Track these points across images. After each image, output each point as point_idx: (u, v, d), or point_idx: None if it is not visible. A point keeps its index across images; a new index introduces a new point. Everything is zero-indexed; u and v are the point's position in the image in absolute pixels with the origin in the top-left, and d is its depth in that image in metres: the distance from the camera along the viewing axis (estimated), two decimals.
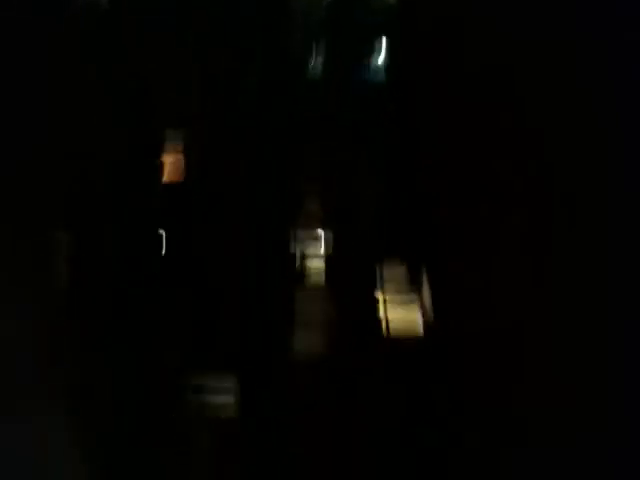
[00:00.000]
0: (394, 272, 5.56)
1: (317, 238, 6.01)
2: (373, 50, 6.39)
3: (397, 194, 5.63)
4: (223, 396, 5.01)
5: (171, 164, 6.09)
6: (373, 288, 5.35)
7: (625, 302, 3.25)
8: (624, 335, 3.22)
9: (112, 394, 4.77)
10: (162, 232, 5.76)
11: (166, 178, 6.19)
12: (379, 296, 5.39)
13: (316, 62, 6.54)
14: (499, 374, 4.03)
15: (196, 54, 6.08)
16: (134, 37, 5.83)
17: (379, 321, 5.19)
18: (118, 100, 5.70)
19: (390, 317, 5.24)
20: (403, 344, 5.04)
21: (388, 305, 5.33)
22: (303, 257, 5.97)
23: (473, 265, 4.58)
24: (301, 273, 5.85)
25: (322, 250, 5.92)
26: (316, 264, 5.84)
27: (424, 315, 5.11)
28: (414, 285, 5.39)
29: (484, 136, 4.53)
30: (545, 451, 3.58)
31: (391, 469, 4.42)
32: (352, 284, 5.41)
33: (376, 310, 5.27)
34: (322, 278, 5.71)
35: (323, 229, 6.05)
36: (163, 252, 5.73)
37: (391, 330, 5.17)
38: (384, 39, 6.34)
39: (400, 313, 5.26)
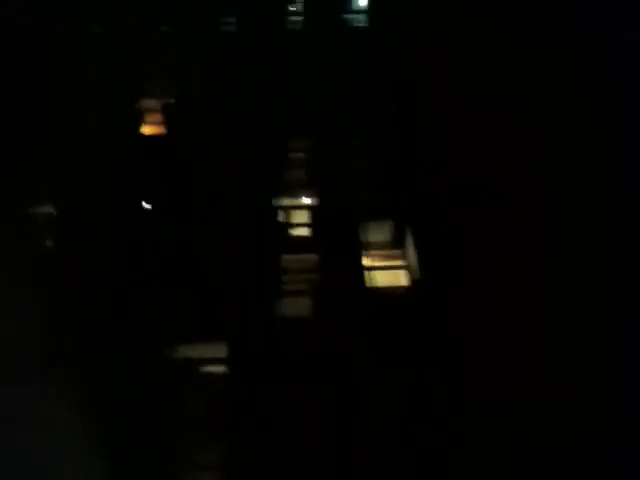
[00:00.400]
0: (379, 234, 5.60)
1: (302, 205, 6.05)
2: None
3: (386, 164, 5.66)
4: (214, 365, 5.04)
5: (155, 120, 6.09)
6: (359, 251, 5.38)
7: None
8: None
9: (109, 369, 4.78)
10: (147, 204, 5.78)
11: (148, 132, 6.18)
12: (365, 259, 5.43)
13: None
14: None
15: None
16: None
17: (365, 284, 5.21)
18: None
19: (376, 279, 5.27)
20: (388, 304, 5.08)
21: (374, 267, 5.36)
22: (289, 223, 6.02)
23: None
24: (287, 238, 5.91)
25: (308, 216, 5.98)
26: (302, 230, 5.88)
27: (409, 275, 5.13)
28: (399, 247, 5.43)
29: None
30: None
31: (385, 446, 4.43)
32: (338, 248, 5.45)
33: (362, 273, 5.30)
34: (309, 243, 5.77)
35: (309, 195, 6.10)
36: (152, 224, 5.76)
37: (377, 291, 5.20)
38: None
39: (385, 275, 5.29)
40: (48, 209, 5.32)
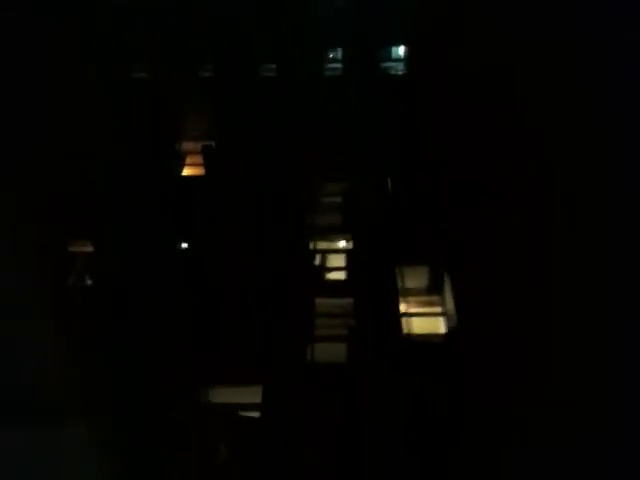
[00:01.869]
0: (415, 279, 5.57)
1: (337, 249, 6.07)
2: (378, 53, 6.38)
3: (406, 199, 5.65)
4: (246, 410, 5.01)
5: (190, 160, 6.15)
6: (395, 296, 5.35)
7: (625, 302, 3.24)
8: (624, 335, 3.21)
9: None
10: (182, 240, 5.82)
11: (185, 172, 6.23)
12: (401, 304, 5.40)
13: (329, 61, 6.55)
14: (499, 374, 4.03)
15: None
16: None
17: (401, 330, 5.17)
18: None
19: (412, 325, 5.25)
20: (425, 351, 5.00)
21: (410, 313, 5.34)
22: (324, 267, 6.02)
23: (474, 268, 4.58)
24: (323, 283, 5.87)
25: (343, 261, 5.98)
26: (337, 275, 5.88)
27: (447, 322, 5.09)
28: (436, 293, 5.40)
29: (484, 136, 4.53)
30: (545, 451, 3.58)
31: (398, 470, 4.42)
32: (373, 294, 5.41)
33: (398, 318, 5.26)
34: (343, 288, 5.73)
35: (344, 240, 6.12)
36: (182, 263, 5.76)
37: (413, 337, 5.16)
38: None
39: (422, 321, 5.27)
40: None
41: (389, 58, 6.56)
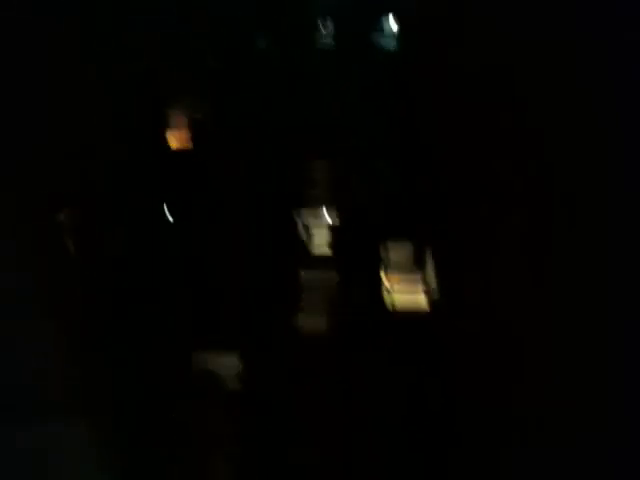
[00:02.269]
0: (398, 253, 5.53)
1: (321, 217, 5.98)
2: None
3: (402, 177, 5.61)
4: (227, 378, 5.00)
5: (178, 133, 6.04)
6: (377, 268, 5.33)
7: (625, 302, 3.24)
8: (624, 335, 3.21)
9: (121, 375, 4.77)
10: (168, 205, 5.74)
11: (173, 146, 6.12)
12: (383, 276, 5.37)
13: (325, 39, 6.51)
14: (499, 374, 4.03)
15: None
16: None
17: (383, 302, 5.17)
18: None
19: (394, 298, 5.22)
20: (407, 324, 5.02)
21: (393, 286, 5.31)
22: (308, 235, 5.95)
23: (474, 264, 4.58)
24: (305, 252, 5.84)
25: (326, 229, 5.90)
26: (320, 242, 5.81)
27: (428, 296, 5.09)
28: (418, 265, 5.37)
29: (484, 136, 4.53)
30: (545, 451, 3.58)
31: (392, 456, 4.42)
32: (356, 264, 5.39)
33: (380, 290, 5.24)
34: (326, 257, 5.70)
35: (327, 208, 6.02)
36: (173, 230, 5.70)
37: (396, 310, 5.15)
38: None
39: (404, 294, 5.24)
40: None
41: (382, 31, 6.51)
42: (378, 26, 6.39)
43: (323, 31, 6.43)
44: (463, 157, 4.80)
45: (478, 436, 4.13)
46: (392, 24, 6.08)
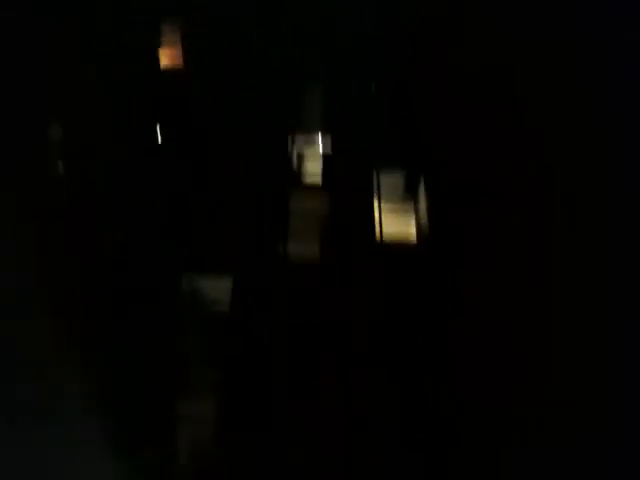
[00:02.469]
0: (391, 180, 5.50)
1: (315, 141, 5.93)
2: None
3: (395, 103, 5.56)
4: (218, 296, 4.99)
5: (169, 50, 5.96)
6: (369, 194, 5.31)
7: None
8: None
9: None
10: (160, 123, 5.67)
11: (164, 65, 6.03)
12: (375, 203, 5.34)
13: None
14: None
15: None
16: None
17: (374, 228, 5.16)
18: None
19: (385, 224, 5.20)
20: (397, 251, 5.01)
21: (383, 212, 5.29)
22: (300, 160, 5.90)
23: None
24: (298, 176, 5.79)
25: (319, 154, 5.86)
26: (313, 167, 5.77)
27: (418, 224, 5.08)
28: (410, 194, 5.34)
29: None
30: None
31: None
32: (348, 189, 5.36)
33: (371, 217, 5.23)
34: (319, 182, 5.66)
35: (321, 133, 5.97)
36: (161, 148, 5.63)
37: (385, 237, 5.14)
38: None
39: (395, 221, 5.21)
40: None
41: None
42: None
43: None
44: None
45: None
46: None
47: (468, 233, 4.61)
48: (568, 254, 3.64)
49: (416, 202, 5.21)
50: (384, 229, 5.20)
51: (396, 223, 5.23)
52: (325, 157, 5.75)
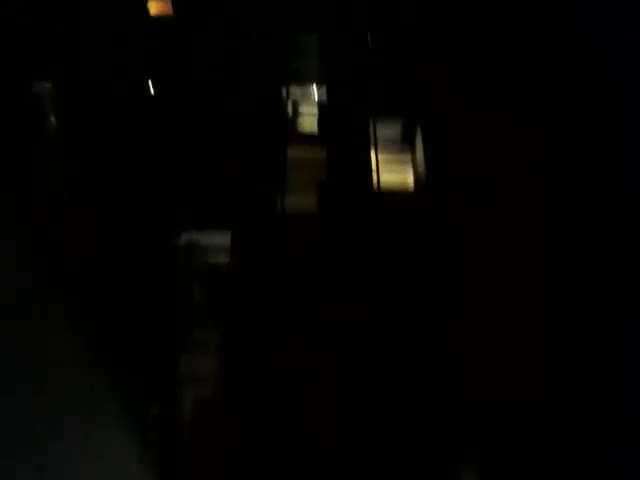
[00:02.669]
0: (387, 131, 5.46)
1: (311, 93, 5.89)
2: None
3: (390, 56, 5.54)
4: (215, 252, 4.98)
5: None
6: (366, 147, 5.28)
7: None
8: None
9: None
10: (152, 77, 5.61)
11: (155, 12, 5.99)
12: (372, 155, 5.31)
13: None
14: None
15: None
16: None
17: (371, 180, 5.13)
18: None
19: (382, 177, 5.17)
20: (394, 205, 4.99)
21: (380, 165, 5.25)
22: (296, 114, 5.86)
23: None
24: (293, 129, 5.76)
25: (315, 107, 5.82)
26: (309, 121, 5.73)
27: (416, 176, 5.05)
28: (407, 145, 5.30)
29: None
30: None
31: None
32: (345, 142, 5.33)
33: (369, 169, 5.19)
34: (315, 135, 5.63)
35: (316, 85, 5.93)
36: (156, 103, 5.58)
37: (382, 189, 5.11)
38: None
39: (392, 173, 5.18)
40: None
41: None
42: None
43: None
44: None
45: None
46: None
47: (464, 185, 4.60)
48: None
49: (413, 152, 5.18)
50: (381, 179, 5.16)
51: (393, 173, 5.20)
52: (321, 108, 5.71)
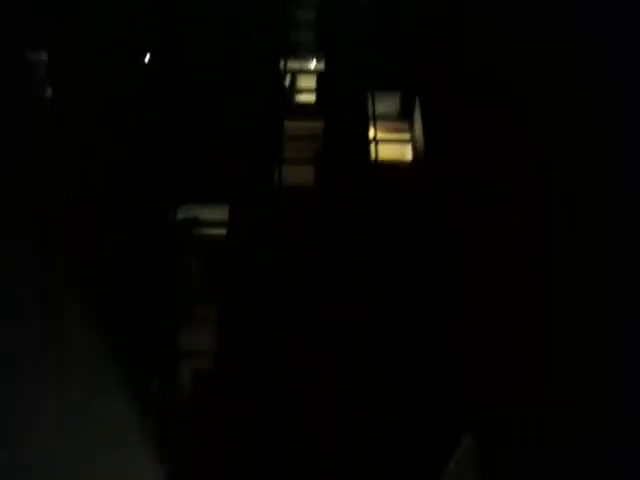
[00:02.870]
0: (386, 107, 5.41)
1: (309, 69, 5.83)
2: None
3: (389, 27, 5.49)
4: (214, 227, 4.96)
5: None
6: (365, 122, 5.23)
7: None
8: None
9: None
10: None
11: None
12: (370, 131, 5.27)
13: None
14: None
15: None
16: None
17: (369, 156, 5.09)
18: None
19: (380, 153, 5.14)
20: (392, 180, 4.95)
21: (379, 141, 5.22)
22: (294, 89, 5.81)
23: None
24: (292, 104, 5.70)
25: (314, 82, 5.77)
26: (307, 96, 5.67)
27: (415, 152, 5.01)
28: (406, 121, 5.27)
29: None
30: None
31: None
32: (343, 117, 5.29)
33: (367, 145, 5.16)
34: (313, 110, 5.58)
35: (315, 60, 5.86)
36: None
37: (380, 165, 5.08)
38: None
39: (391, 149, 5.15)
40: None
41: None
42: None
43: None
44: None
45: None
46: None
47: (462, 162, 4.58)
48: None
49: (412, 126, 5.15)
50: (379, 153, 5.13)
51: (391, 146, 5.17)
52: (320, 81, 5.66)
